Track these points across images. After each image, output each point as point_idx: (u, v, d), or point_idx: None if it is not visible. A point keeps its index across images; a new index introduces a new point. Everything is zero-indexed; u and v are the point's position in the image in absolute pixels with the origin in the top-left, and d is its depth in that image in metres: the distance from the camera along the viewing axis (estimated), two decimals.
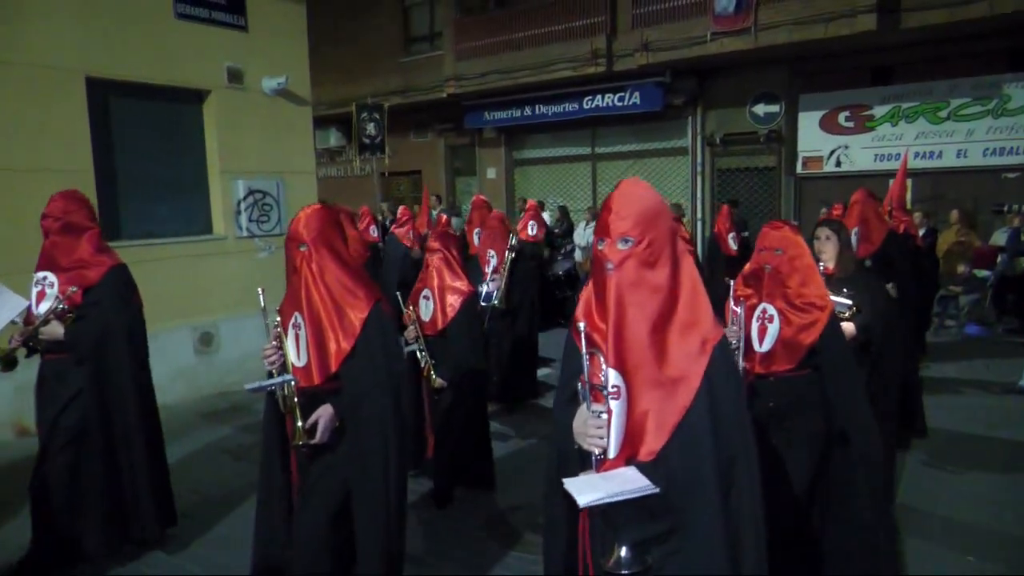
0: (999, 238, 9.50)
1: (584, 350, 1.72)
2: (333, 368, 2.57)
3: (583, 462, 1.77)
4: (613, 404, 1.70)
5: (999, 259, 8.97)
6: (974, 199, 10.40)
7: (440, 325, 4.27)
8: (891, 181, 7.47)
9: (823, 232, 3.89)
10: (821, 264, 3.66)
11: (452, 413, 4.32)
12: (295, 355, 2.63)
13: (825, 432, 2.92)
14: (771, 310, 2.98)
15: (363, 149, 11.88)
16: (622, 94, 13.18)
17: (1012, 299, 8.88)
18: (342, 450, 2.60)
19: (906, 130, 11.25)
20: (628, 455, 1.71)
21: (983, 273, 9.12)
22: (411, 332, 4.32)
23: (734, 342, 2.96)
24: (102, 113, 6.42)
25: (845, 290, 3.65)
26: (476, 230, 7.28)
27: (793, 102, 12.09)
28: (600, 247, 1.74)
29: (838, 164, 11.88)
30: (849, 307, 3.57)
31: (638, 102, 13.04)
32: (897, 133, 11.34)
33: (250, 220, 7.35)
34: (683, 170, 13.59)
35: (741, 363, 2.98)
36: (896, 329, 4.20)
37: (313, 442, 2.52)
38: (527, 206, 8.33)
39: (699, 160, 13.24)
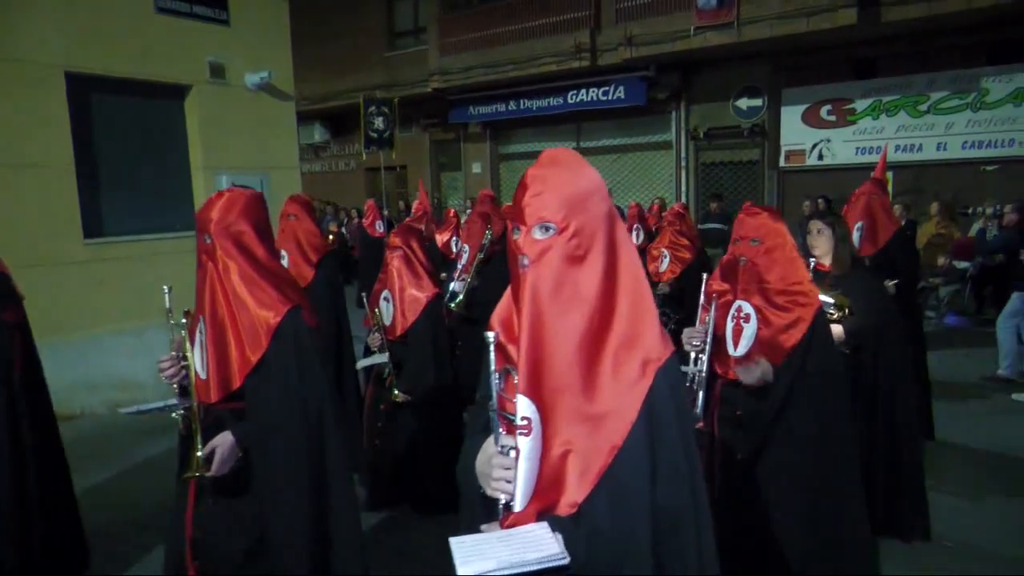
0: (975, 227, 9.69)
1: (494, 367, 1.35)
2: (235, 383, 2.16)
3: (488, 512, 1.37)
4: (522, 442, 1.29)
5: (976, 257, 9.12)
6: (954, 191, 10.55)
7: (400, 330, 3.91)
8: (872, 174, 7.56)
9: (815, 225, 3.62)
10: (813, 260, 3.46)
11: (415, 441, 3.96)
12: (200, 366, 2.22)
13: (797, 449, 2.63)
14: (747, 308, 2.67)
15: (370, 143, 11.73)
16: (606, 88, 13.21)
17: (990, 290, 9.01)
18: (252, 491, 2.17)
19: (887, 123, 11.38)
20: (542, 507, 1.31)
21: (963, 264, 9.26)
22: (375, 339, 3.94)
23: (698, 343, 2.71)
24: (83, 108, 6.35)
25: (835, 289, 3.41)
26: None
27: (776, 96, 12.19)
28: (515, 237, 1.35)
29: (820, 157, 12.00)
30: (836, 307, 3.31)
31: (622, 96, 13.08)
32: (878, 126, 11.46)
33: None
34: (667, 164, 13.66)
35: (706, 366, 2.71)
36: (898, 332, 3.80)
37: (208, 475, 2.10)
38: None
39: (683, 154, 13.31)
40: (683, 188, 13.37)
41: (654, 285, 5.49)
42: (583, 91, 13.51)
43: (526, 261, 1.31)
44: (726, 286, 2.78)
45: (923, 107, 11.07)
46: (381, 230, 9.43)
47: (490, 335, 1.37)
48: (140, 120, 6.80)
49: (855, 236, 4.49)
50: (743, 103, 12.51)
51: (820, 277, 3.46)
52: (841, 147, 11.82)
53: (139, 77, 6.61)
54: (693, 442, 1.37)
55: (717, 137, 12.90)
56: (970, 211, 10.14)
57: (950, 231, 9.54)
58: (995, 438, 5.20)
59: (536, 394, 1.30)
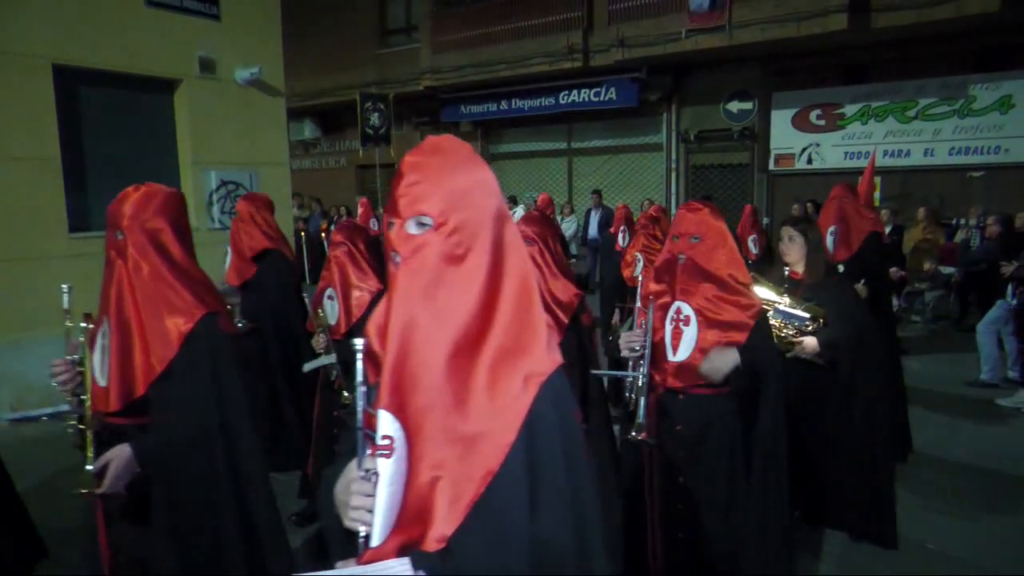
0: (960, 235, 9.80)
1: (361, 378, 1.18)
2: (139, 391, 1.98)
3: (347, 546, 1.19)
4: (383, 464, 1.12)
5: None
6: (940, 197, 10.64)
7: (344, 327, 3.63)
8: (860, 179, 7.61)
9: (787, 232, 3.51)
10: (787, 269, 3.41)
11: None
12: (99, 372, 2.04)
13: (743, 463, 2.51)
14: (687, 310, 2.51)
15: (366, 140, 11.59)
16: (598, 89, 13.24)
17: (973, 296, 9.09)
18: (166, 509, 2.00)
19: (875, 129, 11.46)
20: (405, 541, 1.13)
21: (948, 270, 9.35)
22: (320, 341, 3.67)
23: (636, 349, 2.54)
24: (71, 101, 6.29)
25: (809, 299, 3.30)
26: None
27: (766, 100, 12.25)
28: (389, 231, 1.20)
29: (809, 161, 12.07)
30: (809, 320, 3.22)
31: (614, 98, 13.11)
32: (867, 131, 11.54)
33: (223, 212, 7.26)
34: (658, 166, 13.70)
35: (645, 374, 2.53)
36: (874, 343, 3.73)
37: (99, 492, 1.92)
38: None
39: (673, 156, 13.35)
40: (673, 190, 13.42)
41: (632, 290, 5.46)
42: (575, 92, 13.52)
43: (398, 258, 1.17)
44: (663, 287, 2.60)
45: (911, 113, 11.16)
46: (376, 228, 9.38)
47: (358, 342, 1.19)
48: (128, 114, 6.74)
49: (829, 240, 4.43)
50: (734, 106, 12.57)
51: (793, 286, 3.41)
52: (830, 151, 11.90)
53: (128, 71, 6.56)
54: (583, 468, 1.21)
55: (707, 140, 12.94)
56: (954, 221, 10.26)
57: (936, 236, 9.63)
58: (978, 443, 5.26)
59: (401, 410, 1.13)
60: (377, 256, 3.70)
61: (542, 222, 3.01)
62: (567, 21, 12.77)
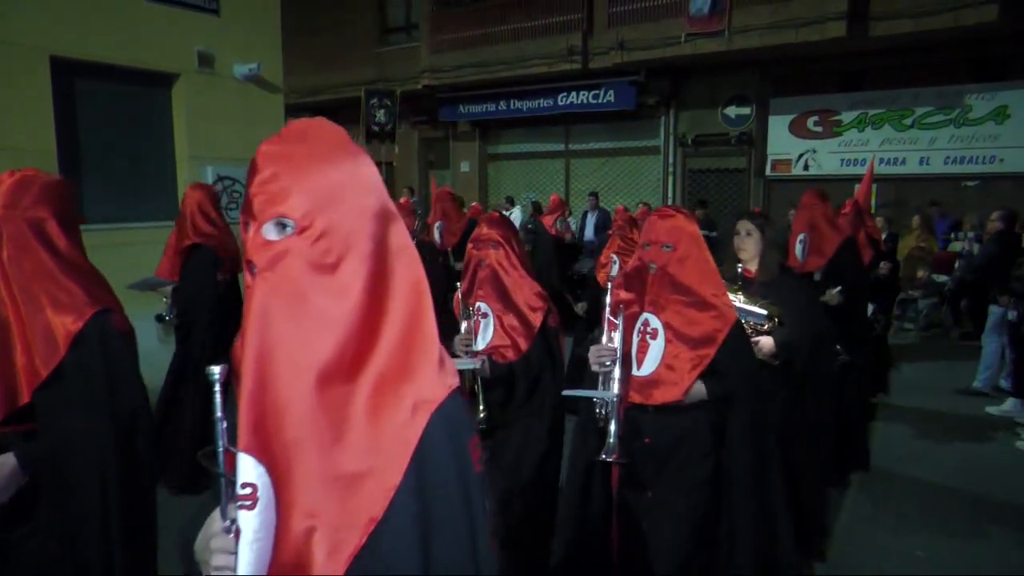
0: (956, 246, 9.83)
1: (220, 412, 1.01)
2: (23, 398, 1.78)
3: None
4: (244, 518, 0.94)
5: (956, 264, 9.25)
6: (942, 206, 10.69)
7: None
8: (857, 186, 7.65)
9: (743, 227, 3.34)
10: (740, 266, 3.27)
11: None
12: None
13: (713, 478, 2.36)
14: (655, 322, 2.36)
15: (371, 137, 11.35)
16: (596, 92, 13.25)
17: (966, 304, 9.14)
18: (44, 530, 1.84)
19: (872, 136, 11.51)
20: None
21: (941, 278, 9.39)
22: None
23: (607, 363, 2.33)
24: (67, 94, 6.26)
25: (763, 298, 3.14)
26: (438, 224, 6.67)
27: (764, 105, 12.28)
28: (245, 236, 1.01)
29: (806, 168, 12.11)
30: (766, 318, 3.09)
31: (612, 100, 13.13)
32: (863, 139, 11.59)
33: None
34: (655, 169, 13.72)
35: (617, 391, 2.33)
36: (828, 344, 3.59)
37: None
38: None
39: (671, 160, 13.37)
40: (670, 194, 13.44)
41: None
42: (573, 94, 13.53)
43: (255, 269, 0.98)
44: (631, 296, 2.44)
45: (908, 121, 11.21)
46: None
47: (215, 370, 1.00)
48: (125, 107, 6.71)
49: (798, 248, 4.38)
50: (731, 111, 12.60)
51: (747, 284, 3.27)
52: (827, 158, 11.94)
53: (126, 64, 6.53)
54: (481, 511, 1.04)
55: (705, 144, 12.97)
56: (952, 236, 10.27)
57: (930, 245, 9.67)
58: (966, 452, 5.28)
59: (264, 450, 0.95)
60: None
61: (505, 224, 3.01)
62: (567, 23, 12.78)
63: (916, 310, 9.73)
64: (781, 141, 12.27)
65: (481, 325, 2.90)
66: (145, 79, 6.78)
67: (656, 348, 2.34)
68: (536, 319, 2.85)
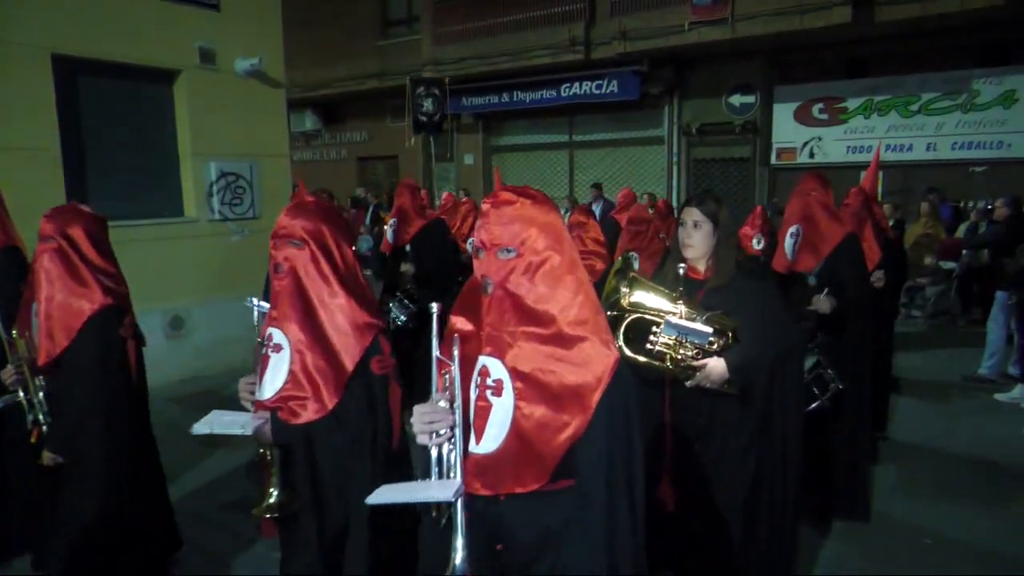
0: (968, 225, 9.79)
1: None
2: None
3: None
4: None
5: (963, 252, 9.18)
6: (941, 191, 10.62)
7: (45, 357, 2.65)
8: (863, 173, 7.60)
9: (690, 215, 2.61)
10: (682, 266, 2.58)
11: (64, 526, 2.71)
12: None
13: None
14: (497, 370, 1.56)
15: (418, 128, 10.87)
16: (600, 82, 13.18)
17: (976, 290, 9.08)
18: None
19: (878, 123, 11.42)
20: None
21: (949, 265, 9.33)
22: (8, 373, 2.72)
23: (440, 432, 1.57)
24: (70, 91, 6.26)
25: (711, 309, 2.48)
26: (391, 221, 5.67)
27: (768, 93, 12.20)
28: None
29: (811, 155, 12.04)
30: (717, 335, 2.44)
31: (615, 90, 13.06)
32: (869, 126, 11.50)
33: (222, 203, 7.25)
34: (659, 159, 13.66)
35: (459, 476, 1.57)
36: (800, 363, 2.83)
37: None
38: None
39: (675, 150, 13.31)
40: (674, 184, 13.38)
41: None
42: (576, 84, 13.46)
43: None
44: (471, 326, 1.65)
45: (914, 107, 11.12)
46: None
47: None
48: (128, 104, 6.72)
49: (788, 243, 3.71)
50: (736, 100, 12.52)
51: (693, 288, 2.61)
52: (832, 145, 11.86)
53: (127, 61, 6.52)
54: None
55: (709, 133, 12.89)
56: (961, 204, 10.22)
57: (937, 231, 9.61)
58: (975, 438, 5.26)
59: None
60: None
61: (318, 212, 2.06)
62: (569, 13, 12.71)
63: (924, 297, 9.68)
64: (786, 129, 12.19)
65: (270, 362, 1.97)
66: (147, 75, 6.78)
67: (501, 409, 1.55)
68: (350, 358, 1.96)
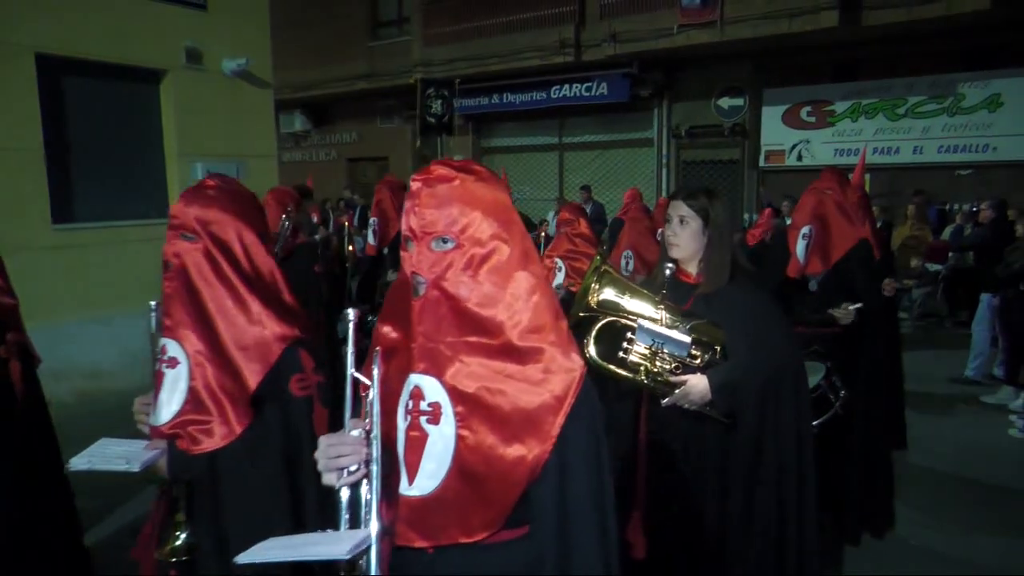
0: (954, 227, 9.88)
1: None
2: None
3: None
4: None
5: (950, 254, 9.26)
6: (929, 195, 10.69)
7: None
8: (850, 176, 7.63)
9: (677, 210, 2.31)
10: (670, 267, 2.26)
11: None
12: None
13: None
14: (433, 390, 1.23)
15: (426, 130, 10.44)
16: (589, 84, 13.20)
17: (962, 292, 9.14)
18: None
19: (865, 126, 11.49)
20: None
21: (935, 267, 9.40)
22: None
23: (352, 469, 1.25)
24: (54, 91, 6.22)
25: (696, 317, 2.19)
26: (372, 220, 5.50)
27: (757, 96, 12.25)
28: None
29: (799, 158, 12.09)
30: (703, 347, 2.15)
31: (605, 93, 13.08)
32: (857, 128, 11.57)
33: None
34: (648, 161, 13.69)
35: (374, 527, 1.22)
36: (799, 382, 2.34)
37: None
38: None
39: (664, 152, 13.34)
40: (663, 186, 13.41)
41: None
42: (566, 86, 13.47)
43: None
44: (399, 335, 1.33)
45: (901, 110, 11.19)
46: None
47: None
48: (113, 105, 6.67)
49: (800, 246, 3.39)
50: (725, 102, 12.56)
51: (682, 293, 2.32)
52: (820, 148, 11.92)
53: (113, 60, 6.49)
54: None
55: (698, 135, 12.93)
56: (947, 207, 10.32)
57: (924, 234, 9.68)
58: (962, 440, 5.29)
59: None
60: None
61: (220, 196, 1.72)
62: (559, 15, 12.72)
63: (911, 299, 9.73)
64: (775, 132, 12.25)
65: (166, 380, 1.66)
66: (133, 75, 6.75)
67: (440, 440, 1.23)
68: (252, 375, 1.63)
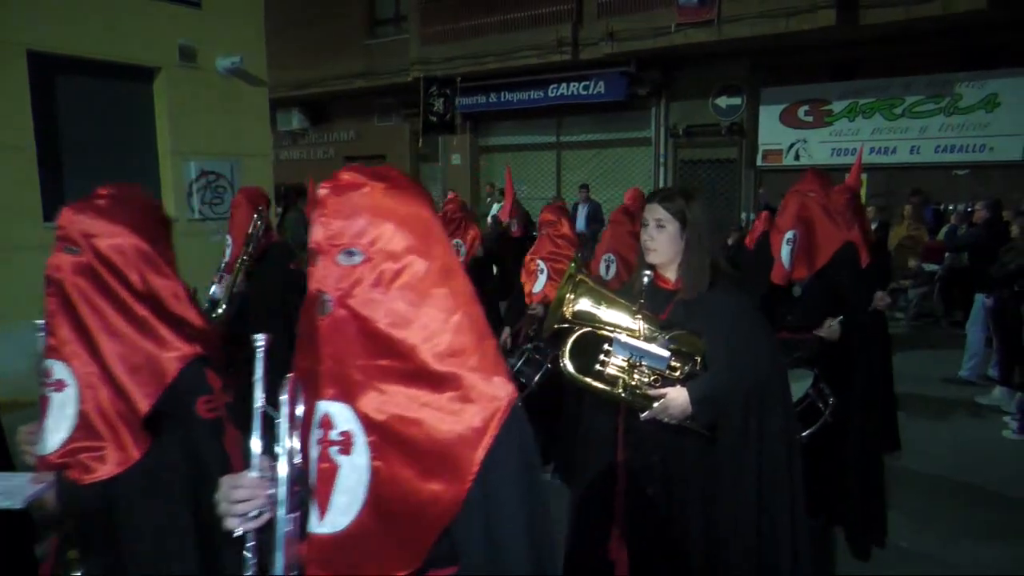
0: (949, 227, 9.86)
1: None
2: None
3: None
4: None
5: (946, 254, 9.24)
6: (926, 194, 10.68)
7: None
8: (847, 175, 7.62)
9: (653, 213, 2.21)
10: (647, 274, 2.19)
11: None
12: None
13: None
14: (344, 418, 1.11)
15: (428, 128, 10.33)
16: (587, 83, 13.19)
17: (958, 293, 9.13)
18: None
19: (863, 125, 11.48)
20: None
21: (931, 267, 9.38)
22: None
23: (252, 515, 1.15)
24: (46, 88, 6.18)
25: (676, 327, 2.12)
26: None
27: (755, 95, 12.24)
28: None
29: (797, 157, 12.08)
30: (674, 358, 2.09)
31: (603, 91, 13.07)
32: (854, 128, 11.56)
33: (203, 202, 7.18)
34: (646, 160, 13.67)
35: (281, 560, 1.12)
36: (783, 395, 2.24)
37: None
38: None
39: (662, 151, 13.33)
40: (661, 184, 13.40)
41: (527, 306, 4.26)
42: (564, 85, 13.47)
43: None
44: (307, 359, 1.20)
45: (898, 110, 11.18)
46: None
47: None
48: (106, 102, 6.64)
49: (785, 251, 3.30)
50: (722, 101, 12.55)
51: (660, 300, 2.23)
52: (817, 148, 11.91)
53: (106, 58, 6.45)
54: None
55: (696, 135, 12.92)
56: (943, 207, 10.31)
57: (920, 234, 9.66)
58: (956, 441, 5.28)
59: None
60: None
61: (115, 210, 1.59)
62: (556, 14, 12.70)
63: (906, 299, 9.72)
64: (772, 131, 12.23)
65: (52, 404, 1.54)
66: (126, 73, 6.71)
67: (352, 472, 1.12)
68: (145, 397, 1.50)
